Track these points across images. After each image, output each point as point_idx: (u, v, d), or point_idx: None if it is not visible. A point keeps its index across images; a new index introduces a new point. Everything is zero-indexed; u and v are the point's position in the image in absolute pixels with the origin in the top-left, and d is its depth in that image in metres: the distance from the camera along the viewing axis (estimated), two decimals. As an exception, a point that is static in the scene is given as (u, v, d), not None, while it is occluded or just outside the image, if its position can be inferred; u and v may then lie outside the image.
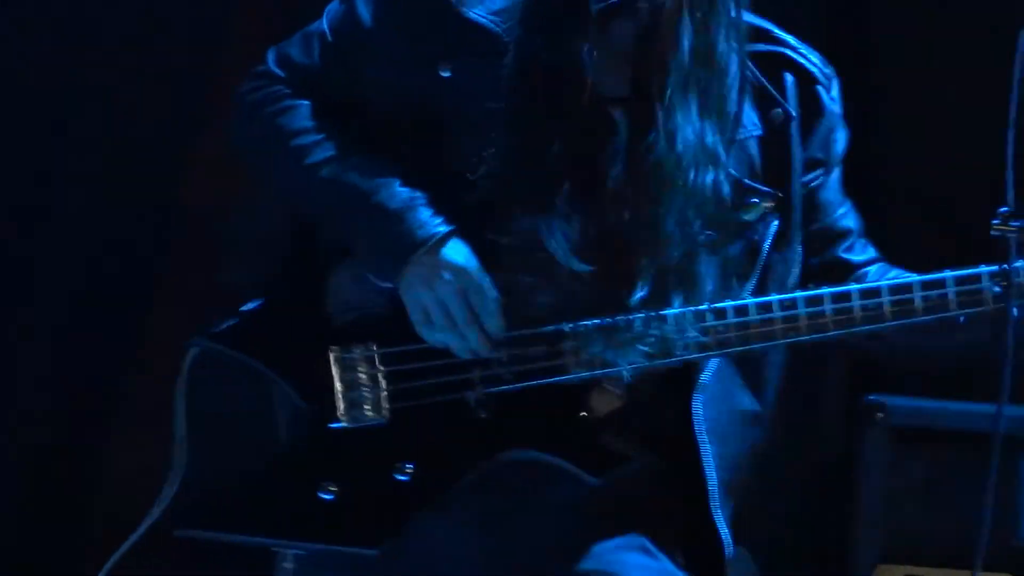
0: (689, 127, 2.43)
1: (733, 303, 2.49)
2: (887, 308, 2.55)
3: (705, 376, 2.52)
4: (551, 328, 2.43)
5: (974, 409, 3.28)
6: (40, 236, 4.18)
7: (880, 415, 3.40)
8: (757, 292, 2.55)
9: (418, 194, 2.43)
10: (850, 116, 2.84)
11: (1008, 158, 2.51)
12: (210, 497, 2.44)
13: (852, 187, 2.91)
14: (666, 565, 2.46)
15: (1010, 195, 2.53)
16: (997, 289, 2.53)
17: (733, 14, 2.50)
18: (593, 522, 2.46)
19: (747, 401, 2.59)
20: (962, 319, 2.59)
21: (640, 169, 2.42)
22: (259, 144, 2.55)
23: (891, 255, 2.91)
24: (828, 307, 2.51)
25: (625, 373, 2.45)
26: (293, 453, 2.43)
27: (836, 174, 2.72)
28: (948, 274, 2.58)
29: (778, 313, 2.49)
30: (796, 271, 2.64)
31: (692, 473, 2.50)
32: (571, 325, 2.42)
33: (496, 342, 2.42)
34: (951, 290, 2.57)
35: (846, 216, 2.77)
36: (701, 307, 2.45)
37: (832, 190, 2.72)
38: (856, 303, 2.53)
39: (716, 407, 2.54)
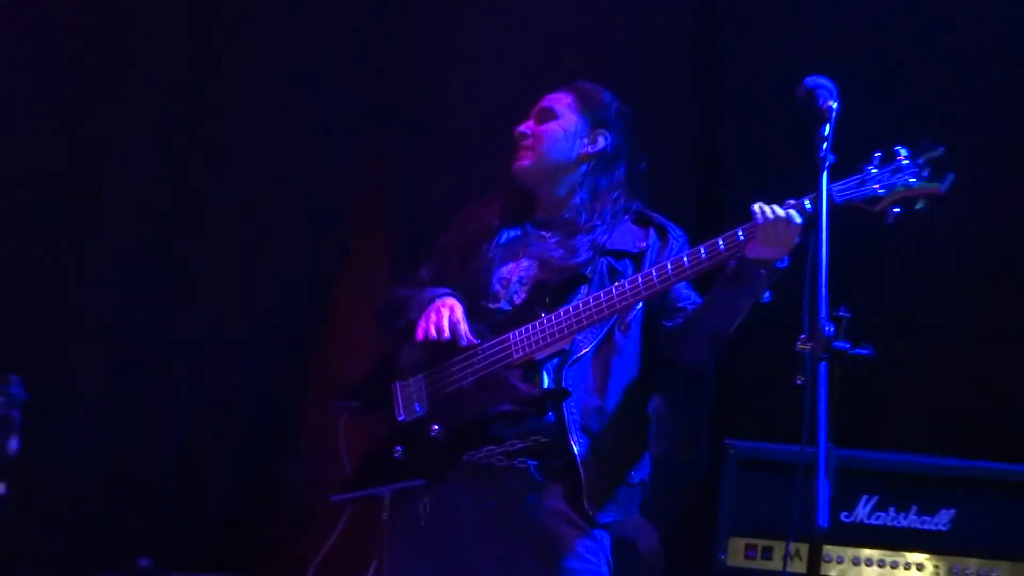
0: None
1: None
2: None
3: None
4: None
5: (787, 449, 4.10)
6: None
7: (731, 451, 4.34)
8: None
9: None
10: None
11: (805, 298, 3.19)
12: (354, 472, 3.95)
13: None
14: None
15: (805, 323, 3.18)
16: (798, 382, 3.14)
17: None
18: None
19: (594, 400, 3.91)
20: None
21: None
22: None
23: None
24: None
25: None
26: (383, 438, 3.93)
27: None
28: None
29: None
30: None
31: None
32: None
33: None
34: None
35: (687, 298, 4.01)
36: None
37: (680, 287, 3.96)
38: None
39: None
